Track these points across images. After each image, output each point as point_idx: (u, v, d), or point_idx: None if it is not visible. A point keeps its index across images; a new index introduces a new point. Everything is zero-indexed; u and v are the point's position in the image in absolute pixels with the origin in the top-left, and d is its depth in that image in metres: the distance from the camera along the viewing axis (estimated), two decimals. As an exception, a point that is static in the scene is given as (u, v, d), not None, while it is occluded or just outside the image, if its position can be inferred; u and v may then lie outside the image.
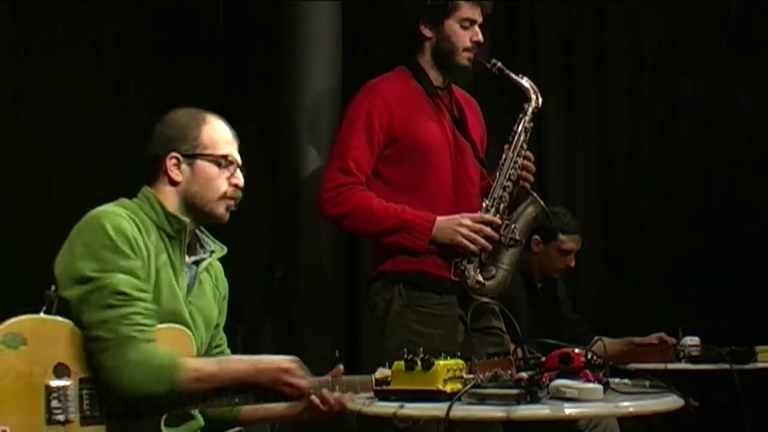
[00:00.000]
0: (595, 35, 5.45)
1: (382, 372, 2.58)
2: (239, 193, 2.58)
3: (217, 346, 2.70)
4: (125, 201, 2.51)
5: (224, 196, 2.54)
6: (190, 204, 2.52)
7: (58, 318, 2.31)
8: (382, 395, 2.31)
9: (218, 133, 2.56)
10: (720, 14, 5.33)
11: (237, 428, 2.65)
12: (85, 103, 4.78)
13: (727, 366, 3.26)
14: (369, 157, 3.34)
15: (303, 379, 2.43)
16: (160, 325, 2.40)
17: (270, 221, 5.19)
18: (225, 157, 2.54)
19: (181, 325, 2.45)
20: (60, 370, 2.27)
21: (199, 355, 2.51)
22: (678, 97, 5.37)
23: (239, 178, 2.57)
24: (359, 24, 5.40)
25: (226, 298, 2.73)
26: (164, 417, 2.36)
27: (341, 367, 2.59)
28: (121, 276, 2.32)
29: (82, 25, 4.82)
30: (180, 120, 2.55)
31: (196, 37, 5.35)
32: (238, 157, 2.59)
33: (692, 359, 3.87)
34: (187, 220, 2.50)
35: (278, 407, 2.60)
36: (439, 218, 3.28)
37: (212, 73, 5.42)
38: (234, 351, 2.78)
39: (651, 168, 5.35)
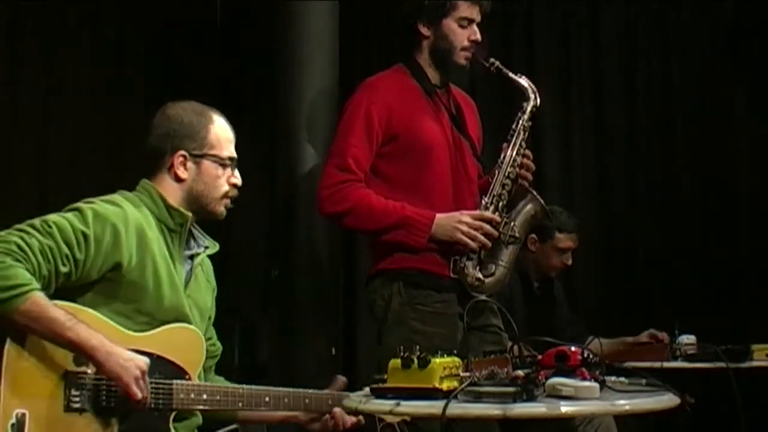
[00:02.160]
0: (592, 34, 5.45)
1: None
2: (236, 192, 2.65)
3: (209, 339, 2.72)
4: (127, 194, 2.55)
5: (225, 196, 2.61)
6: (194, 201, 2.58)
7: (78, 306, 2.33)
8: (379, 393, 2.31)
9: (223, 133, 2.63)
10: (715, 14, 5.33)
11: (232, 426, 2.67)
12: (81, 101, 4.78)
13: (723, 365, 3.26)
14: (368, 154, 3.33)
15: (143, 389, 2.31)
16: (171, 325, 2.45)
17: (266, 220, 5.19)
18: (231, 158, 2.62)
19: (185, 322, 2.49)
20: (80, 359, 2.29)
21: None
22: (675, 95, 5.37)
23: (238, 178, 2.64)
24: (356, 23, 5.40)
25: (215, 292, 2.77)
26: (174, 414, 2.40)
27: (344, 379, 2.67)
28: (60, 217, 2.35)
29: (79, 23, 4.82)
30: (187, 117, 2.59)
31: (193, 35, 5.35)
32: (235, 156, 2.67)
33: (688, 358, 3.88)
34: (189, 214, 2.56)
35: (278, 414, 2.67)
36: (438, 215, 3.28)
37: (209, 71, 5.42)
38: (231, 349, 2.80)
39: (648, 167, 5.35)
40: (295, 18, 4.42)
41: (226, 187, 2.61)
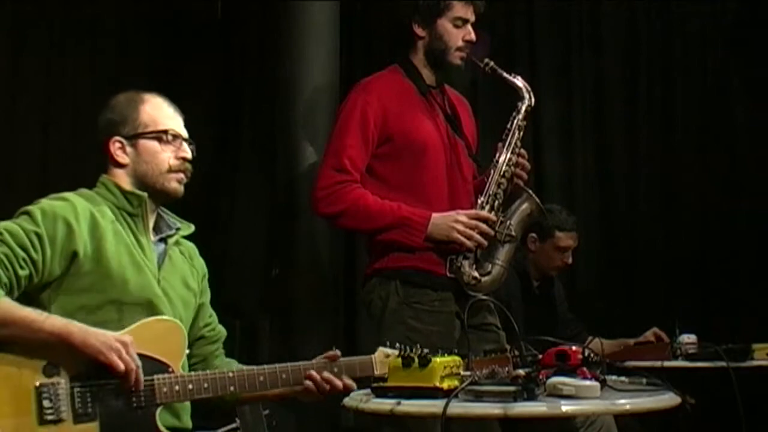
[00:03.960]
0: (593, 33, 5.45)
1: (382, 351, 2.59)
2: (188, 165, 2.59)
3: (206, 325, 2.70)
4: (83, 190, 2.54)
5: (171, 170, 2.55)
6: (142, 183, 2.55)
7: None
8: (380, 392, 2.31)
9: (157, 110, 2.59)
10: (717, 14, 5.33)
11: (233, 425, 2.65)
12: (81, 99, 4.77)
13: (723, 364, 3.26)
14: (364, 155, 3.34)
15: (132, 360, 2.29)
16: (146, 319, 2.40)
17: (266, 218, 5.19)
18: (165, 131, 2.56)
19: (157, 305, 2.45)
20: (49, 370, 2.25)
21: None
22: (676, 95, 5.37)
23: (186, 151, 2.58)
24: (357, 22, 5.39)
25: (206, 276, 2.73)
26: (159, 409, 2.35)
27: (338, 352, 2.58)
28: (11, 223, 2.35)
29: (79, 20, 4.82)
30: (119, 104, 2.58)
31: (194, 33, 5.35)
32: (182, 131, 2.60)
33: (689, 357, 3.88)
34: (144, 194, 2.53)
35: (275, 390, 2.57)
36: (434, 215, 3.29)
37: (210, 70, 5.41)
38: (232, 348, 2.77)
39: (649, 165, 5.35)
40: (296, 17, 4.41)
41: (172, 161, 2.55)
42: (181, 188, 2.58)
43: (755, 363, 3.75)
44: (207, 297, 2.72)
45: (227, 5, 5.52)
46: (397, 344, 2.60)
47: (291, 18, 4.42)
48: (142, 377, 2.30)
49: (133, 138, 2.55)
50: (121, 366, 2.26)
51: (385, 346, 2.63)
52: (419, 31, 3.43)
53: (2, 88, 4.48)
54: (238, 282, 5.11)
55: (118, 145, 2.55)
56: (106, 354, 2.25)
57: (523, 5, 5.48)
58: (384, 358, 2.59)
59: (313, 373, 2.52)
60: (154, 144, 2.55)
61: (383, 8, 5.26)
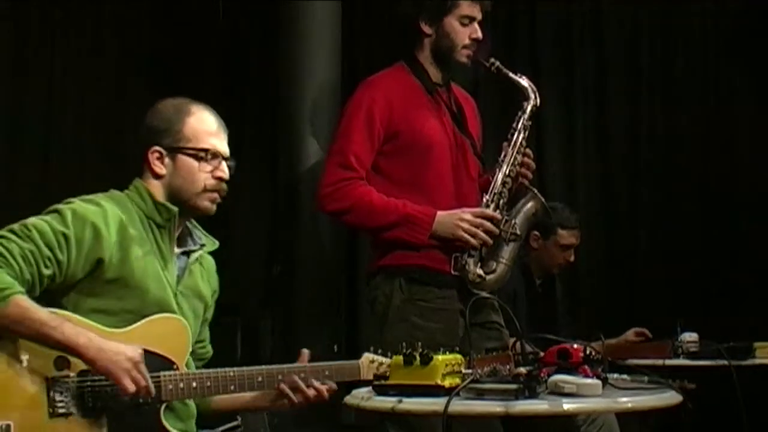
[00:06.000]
0: (594, 32, 5.46)
1: (367, 357, 2.61)
2: (223, 186, 2.55)
3: (200, 341, 2.69)
4: (115, 192, 2.52)
5: (206, 190, 2.52)
6: (175, 197, 2.52)
7: (56, 310, 2.30)
8: (381, 390, 2.31)
9: (202, 125, 2.54)
10: (718, 14, 5.33)
11: (235, 422, 2.65)
12: (82, 99, 4.78)
13: (725, 362, 3.26)
14: (369, 152, 3.34)
15: (143, 378, 2.28)
16: (153, 317, 2.41)
17: (268, 216, 5.19)
18: (206, 150, 2.52)
19: (173, 314, 2.46)
20: (60, 363, 2.27)
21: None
22: (677, 93, 5.37)
23: (223, 171, 2.54)
24: (358, 21, 5.40)
25: (216, 294, 2.72)
26: (164, 406, 2.37)
27: (306, 351, 2.58)
28: (40, 220, 2.33)
29: (79, 20, 4.82)
30: (165, 112, 2.54)
31: (197, 32, 5.35)
32: (223, 149, 2.56)
33: (690, 355, 3.88)
34: (175, 209, 2.50)
35: (246, 396, 2.59)
36: (439, 213, 3.29)
37: (212, 70, 5.42)
38: (233, 345, 2.78)
39: (650, 164, 5.35)
40: (298, 17, 4.42)
41: (208, 181, 2.51)
42: (213, 207, 2.55)
43: (757, 361, 3.75)
44: (210, 314, 2.72)
45: (229, 5, 5.52)
46: (380, 350, 2.64)
47: (293, 17, 4.43)
48: (152, 391, 2.30)
49: (173, 151, 2.51)
50: (131, 388, 2.25)
51: (386, 343, 2.64)
52: (426, 29, 3.43)
53: (4, 86, 4.49)
54: (240, 280, 5.12)
55: (156, 155, 2.51)
56: (115, 375, 2.25)
57: (526, 5, 5.48)
58: (369, 363, 2.62)
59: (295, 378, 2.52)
60: (192, 161, 2.51)
61: (386, 7, 5.27)
